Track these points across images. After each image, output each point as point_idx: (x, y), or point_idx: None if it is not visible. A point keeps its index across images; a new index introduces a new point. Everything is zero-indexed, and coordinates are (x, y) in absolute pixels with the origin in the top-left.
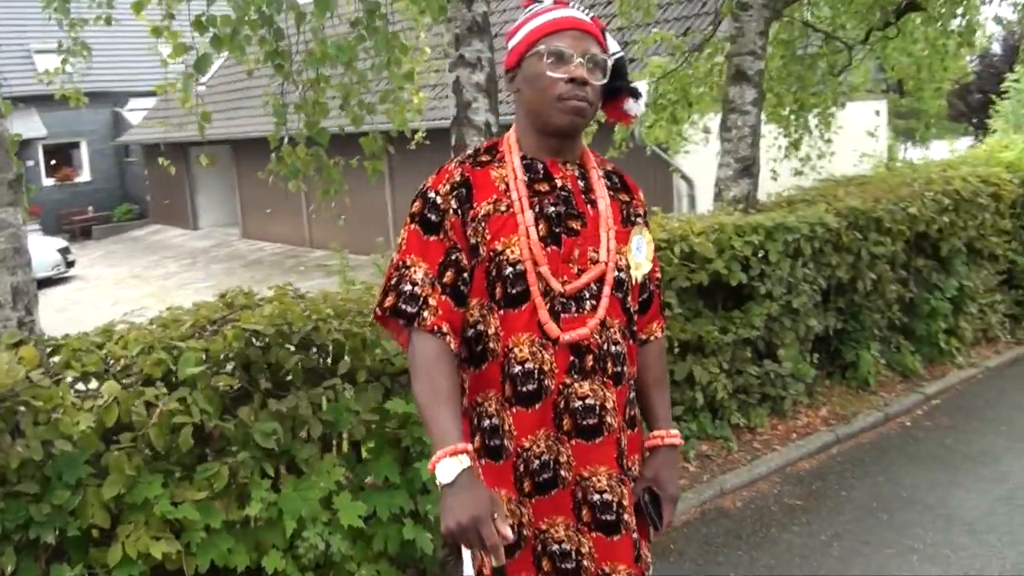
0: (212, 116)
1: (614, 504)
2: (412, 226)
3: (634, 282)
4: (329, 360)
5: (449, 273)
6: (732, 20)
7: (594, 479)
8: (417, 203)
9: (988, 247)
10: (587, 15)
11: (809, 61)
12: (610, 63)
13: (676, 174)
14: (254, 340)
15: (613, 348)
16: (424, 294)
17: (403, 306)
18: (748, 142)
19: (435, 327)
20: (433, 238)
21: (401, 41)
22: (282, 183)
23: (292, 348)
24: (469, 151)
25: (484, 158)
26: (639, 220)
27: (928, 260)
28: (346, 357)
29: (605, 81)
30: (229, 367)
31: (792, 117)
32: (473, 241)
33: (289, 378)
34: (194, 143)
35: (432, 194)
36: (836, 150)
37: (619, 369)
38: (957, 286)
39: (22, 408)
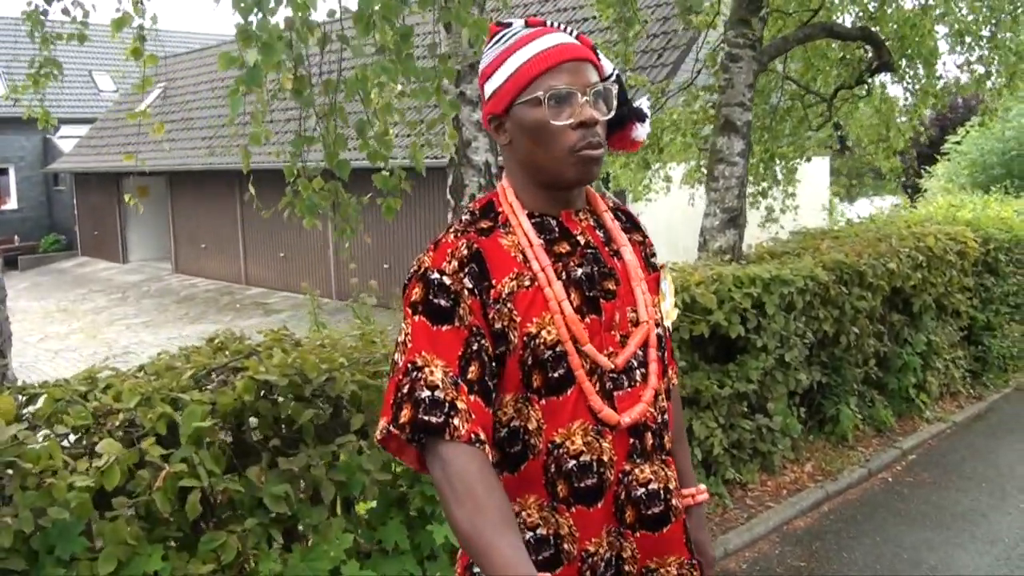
0: (143, 147)
1: None
2: (416, 318)
3: (668, 334)
4: (331, 413)
5: (474, 367)
6: (721, 71)
7: (662, 570)
8: (417, 289)
9: (953, 304)
10: (572, 34)
11: (782, 113)
12: (615, 91)
13: None
14: (264, 392)
15: (663, 418)
16: (449, 398)
17: (425, 417)
18: (735, 193)
19: (471, 436)
20: (446, 327)
21: (448, 64)
22: (295, 219)
23: (304, 401)
24: (464, 217)
25: (485, 224)
26: (655, 260)
27: (901, 315)
28: (360, 411)
29: (612, 114)
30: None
31: (762, 168)
32: (498, 326)
33: (298, 434)
34: (127, 173)
35: (436, 275)
36: (799, 203)
37: (667, 439)
38: (926, 341)
39: (8, 471)
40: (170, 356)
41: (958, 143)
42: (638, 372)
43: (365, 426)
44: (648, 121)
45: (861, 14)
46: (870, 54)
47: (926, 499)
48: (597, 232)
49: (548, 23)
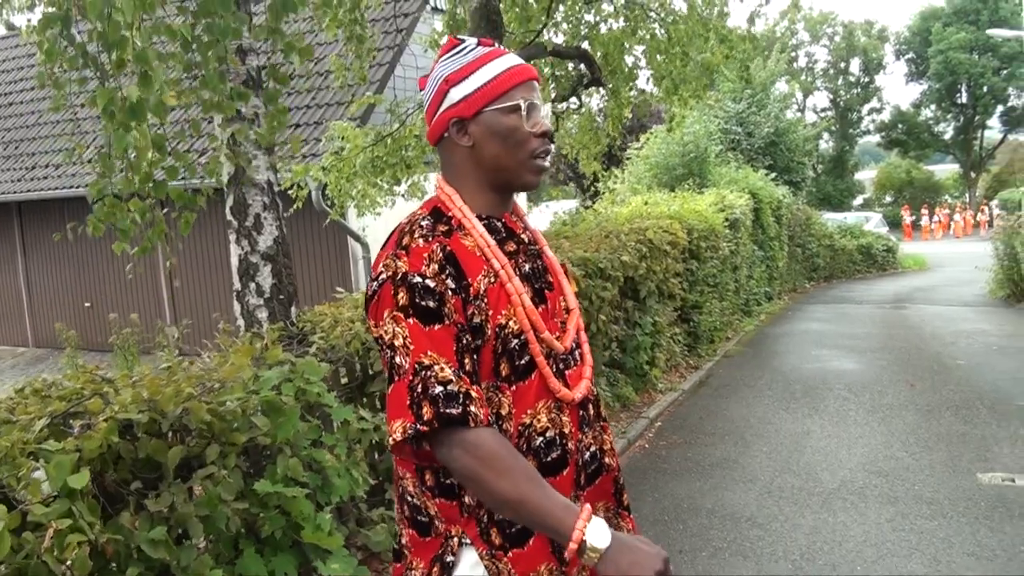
0: None
1: None
2: (409, 320)
3: None
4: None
5: (467, 360)
6: None
7: None
8: (401, 293)
9: (669, 288)
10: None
11: None
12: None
13: (353, 236)
14: (123, 432)
15: (596, 390)
16: (462, 389)
17: (447, 411)
18: None
19: (488, 419)
20: (438, 327)
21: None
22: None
23: (163, 437)
24: (422, 223)
25: (442, 227)
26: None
27: (632, 301)
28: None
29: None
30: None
31: None
32: (476, 321)
33: (157, 473)
34: None
35: (418, 279)
36: None
37: (602, 408)
38: (652, 322)
39: None
40: None
41: (639, 149)
42: (577, 353)
43: (222, 455)
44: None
45: (572, 35)
46: (583, 69)
47: (683, 456)
48: (527, 233)
49: (495, 45)
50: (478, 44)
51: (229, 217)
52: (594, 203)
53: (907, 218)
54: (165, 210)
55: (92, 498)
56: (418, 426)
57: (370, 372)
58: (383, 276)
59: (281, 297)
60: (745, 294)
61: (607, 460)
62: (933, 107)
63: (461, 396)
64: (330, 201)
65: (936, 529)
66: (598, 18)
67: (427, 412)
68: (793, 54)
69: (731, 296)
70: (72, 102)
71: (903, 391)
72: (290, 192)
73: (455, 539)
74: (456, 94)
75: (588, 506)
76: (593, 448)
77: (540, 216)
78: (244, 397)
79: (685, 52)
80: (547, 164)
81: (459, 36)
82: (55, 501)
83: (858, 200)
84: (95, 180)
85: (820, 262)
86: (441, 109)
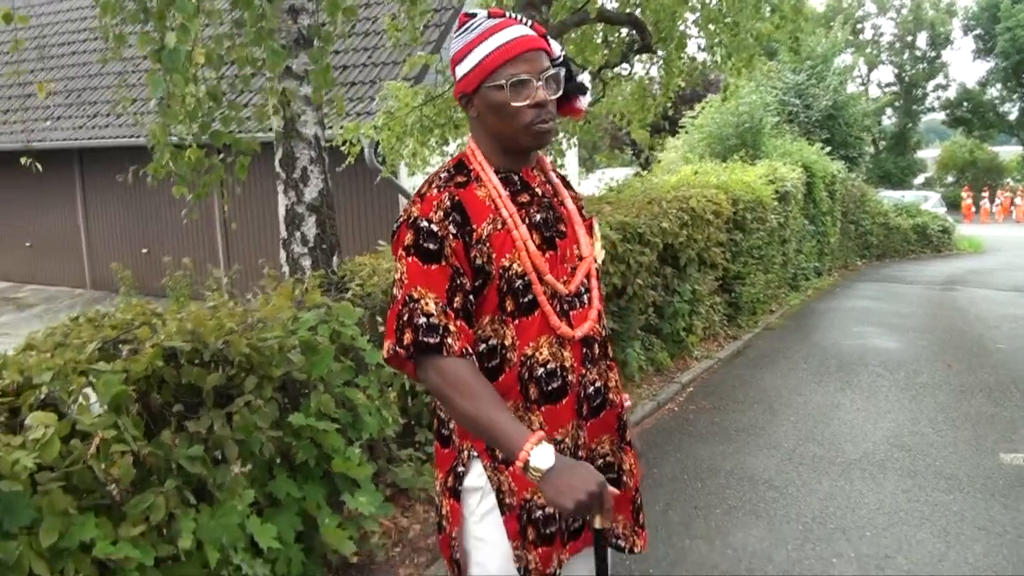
0: None
1: (615, 465)
2: (409, 258)
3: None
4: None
5: (458, 298)
6: None
7: (599, 447)
8: (409, 234)
9: (711, 257)
10: (528, 25)
11: None
12: (562, 73)
13: (404, 194)
14: (168, 359)
15: (605, 332)
16: (442, 322)
17: (424, 339)
18: None
19: (463, 350)
20: (435, 266)
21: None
22: (38, 206)
23: (204, 365)
24: (443, 174)
25: (461, 179)
26: (585, 212)
27: (671, 268)
28: (251, 372)
29: (561, 92)
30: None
31: None
32: (479, 262)
33: (198, 398)
34: None
35: (424, 223)
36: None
37: (609, 348)
38: (691, 290)
39: None
40: (46, 336)
41: (694, 118)
42: (585, 296)
43: (259, 386)
44: (588, 93)
45: (624, 1)
46: (634, 35)
47: (710, 421)
48: (547, 186)
49: (507, 15)
50: (488, 16)
51: (278, 169)
52: (647, 171)
53: (967, 199)
54: (222, 155)
55: (136, 415)
56: (397, 348)
57: None
58: (402, 219)
59: (324, 246)
60: (793, 268)
61: (611, 396)
62: (999, 86)
63: (440, 328)
64: (381, 158)
65: (951, 503)
66: None
67: (407, 338)
68: (859, 26)
69: (777, 269)
70: (128, 55)
71: (939, 371)
72: (342, 148)
73: (466, 452)
74: (459, 72)
75: (541, 432)
76: (598, 383)
77: (591, 183)
78: (283, 335)
79: (736, 21)
80: (547, 127)
81: (470, 11)
82: (103, 415)
83: (919, 179)
84: (154, 127)
85: (873, 240)
86: (455, 83)
